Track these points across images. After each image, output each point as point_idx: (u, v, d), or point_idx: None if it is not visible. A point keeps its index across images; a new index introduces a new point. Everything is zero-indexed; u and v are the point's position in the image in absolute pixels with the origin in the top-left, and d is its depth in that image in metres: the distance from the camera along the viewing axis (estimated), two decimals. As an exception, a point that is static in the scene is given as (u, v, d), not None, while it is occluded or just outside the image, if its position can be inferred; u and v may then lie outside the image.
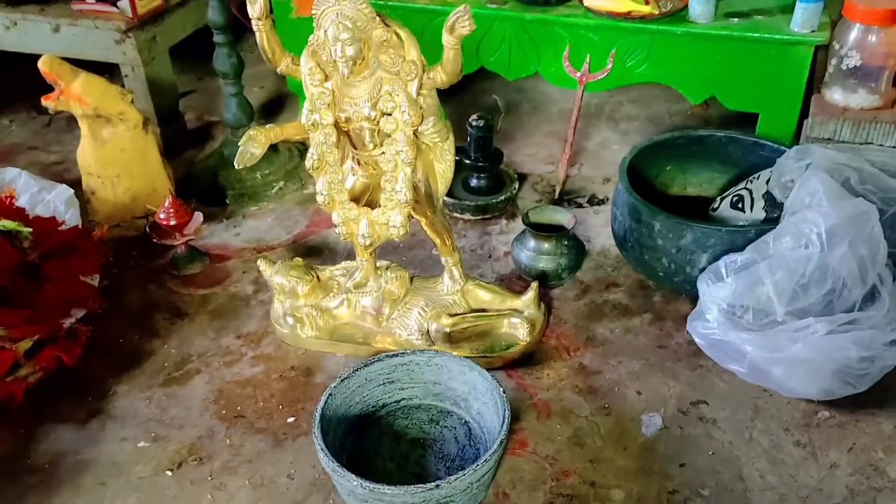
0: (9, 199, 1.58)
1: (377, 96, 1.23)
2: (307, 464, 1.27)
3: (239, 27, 1.99)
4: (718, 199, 1.62)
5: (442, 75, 1.22)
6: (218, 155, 1.98)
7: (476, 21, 1.15)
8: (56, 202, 1.65)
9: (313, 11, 1.18)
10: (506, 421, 1.13)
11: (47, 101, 1.68)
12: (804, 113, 1.70)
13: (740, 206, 1.55)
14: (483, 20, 1.78)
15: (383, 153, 1.29)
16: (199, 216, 1.69)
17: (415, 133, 1.26)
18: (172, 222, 1.63)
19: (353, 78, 1.22)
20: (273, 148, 1.63)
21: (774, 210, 1.48)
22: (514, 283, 1.62)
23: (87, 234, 1.64)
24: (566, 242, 1.58)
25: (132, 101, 1.75)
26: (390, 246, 1.57)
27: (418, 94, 1.23)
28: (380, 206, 1.35)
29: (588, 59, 1.76)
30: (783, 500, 1.19)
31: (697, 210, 1.64)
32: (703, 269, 1.40)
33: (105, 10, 1.95)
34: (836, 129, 1.61)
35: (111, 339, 1.52)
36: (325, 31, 1.18)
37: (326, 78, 1.25)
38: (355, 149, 1.32)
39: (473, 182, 1.86)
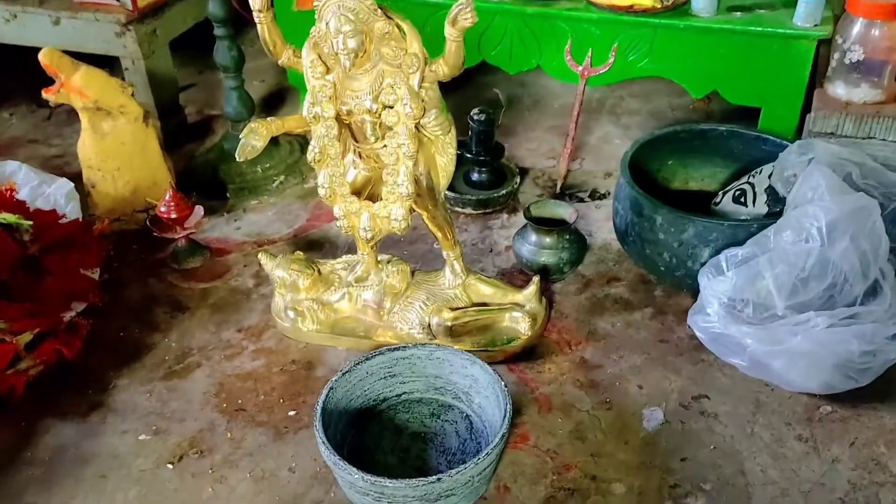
0: (9, 193, 1.57)
1: (379, 89, 1.22)
2: (308, 457, 1.27)
3: (240, 20, 1.99)
4: (720, 193, 1.62)
5: (444, 68, 1.22)
6: (218, 149, 1.98)
7: (478, 14, 1.15)
8: (56, 195, 1.65)
9: (315, 3, 1.18)
10: (507, 415, 1.13)
11: (48, 94, 1.67)
12: (807, 107, 1.70)
13: (742, 200, 1.55)
14: (485, 13, 1.78)
15: (385, 146, 1.28)
16: (199, 210, 1.69)
17: (417, 126, 1.26)
18: (173, 216, 1.63)
19: (355, 70, 1.22)
20: (274, 142, 1.62)
21: (777, 204, 1.47)
22: (515, 277, 1.62)
23: (87, 227, 1.63)
24: (567, 237, 1.58)
25: (133, 95, 1.74)
26: (392, 240, 1.57)
27: (420, 87, 1.22)
28: (381, 199, 1.34)
29: (590, 54, 1.75)
30: (785, 494, 1.19)
31: (699, 204, 1.64)
32: (704, 264, 1.40)
33: (105, 3, 1.94)
34: (838, 124, 1.60)
35: (112, 333, 1.52)
36: (327, 23, 1.17)
37: (328, 70, 1.24)
38: (357, 142, 1.31)
39: (475, 176, 1.85)
